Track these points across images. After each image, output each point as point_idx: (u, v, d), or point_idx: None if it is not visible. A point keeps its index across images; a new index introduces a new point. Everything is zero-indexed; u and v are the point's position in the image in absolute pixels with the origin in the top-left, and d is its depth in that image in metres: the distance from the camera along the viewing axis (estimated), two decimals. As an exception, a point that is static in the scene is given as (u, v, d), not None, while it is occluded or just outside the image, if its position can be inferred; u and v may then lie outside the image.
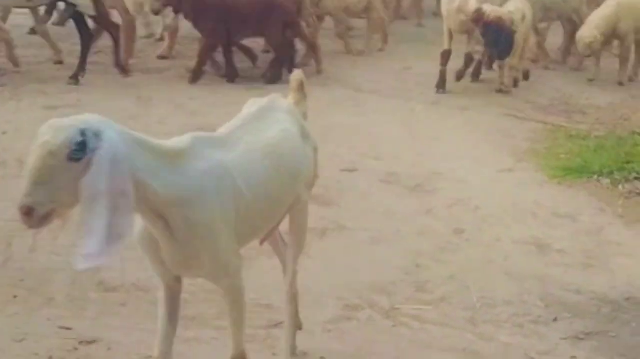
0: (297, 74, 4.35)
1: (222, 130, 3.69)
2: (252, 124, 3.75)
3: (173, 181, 3.18)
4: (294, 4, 9.51)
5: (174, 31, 9.88)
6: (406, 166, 7.02)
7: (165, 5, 9.15)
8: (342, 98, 8.87)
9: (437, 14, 11.28)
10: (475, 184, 6.71)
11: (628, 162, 7.00)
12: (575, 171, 6.93)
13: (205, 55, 9.23)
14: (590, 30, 9.52)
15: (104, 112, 7.83)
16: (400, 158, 7.22)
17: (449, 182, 6.75)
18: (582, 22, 9.99)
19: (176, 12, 9.33)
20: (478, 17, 8.52)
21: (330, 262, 5.31)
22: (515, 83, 9.47)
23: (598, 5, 10.23)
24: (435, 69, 9.36)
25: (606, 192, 6.61)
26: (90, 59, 9.39)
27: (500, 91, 9.06)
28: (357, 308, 4.78)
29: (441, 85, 9.16)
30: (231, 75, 9.30)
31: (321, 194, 6.29)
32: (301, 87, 4.30)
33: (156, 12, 9.54)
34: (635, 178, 6.78)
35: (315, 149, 4.11)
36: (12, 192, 5.86)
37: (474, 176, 6.88)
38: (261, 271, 4.95)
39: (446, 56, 9.14)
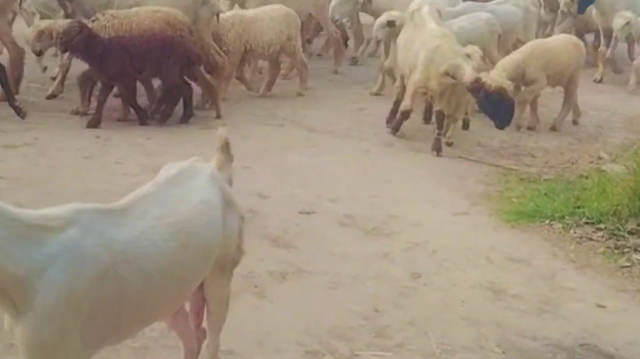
0: (221, 132, 4.06)
1: (129, 198, 3.43)
2: (166, 192, 3.49)
3: (23, 256, 2.89)
4: (194, 44, 9.27)
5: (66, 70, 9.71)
6: (362, 209, 7.11)
7: (65, 51, 8.84)
8: (297, 138, 8.96)
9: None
10: (431, 228, 6.82)
11: (578, 207, 7.15)
12: (527, 215, 7.07)
13: (133, 99, 8.94)
14: (496, 73, 9.40)
15: (61, 152, 7.91)
16: (356, 200, 7.31)
17: (404, 225, 6.84)
18: (492, 64, 10.05)
19: (64, 51, 8.98)
20: (478, 87, 8.20)
21: (290, 307, 5.35)
22: (466, 126, 9.65)
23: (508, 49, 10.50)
24: (388, 109, 9.52)
25: (558, 236, 6.76)
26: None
27: (449, 144, 9.06)
28: (317, 354, 4.83)
29: (397, 128, 9.18)
30: (143, 118, 8.98)
31: (280, 236, 6.39)
32: (226, 148, 4.01)
33: (37, 53, 9.25)
34: (586, 223, 6.94)
35: (242, 219, 3.87)
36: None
37: (429, 219, 6.99)
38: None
39: (407, 116, 9.02)
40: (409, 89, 8.83)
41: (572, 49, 9.98)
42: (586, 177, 8.10)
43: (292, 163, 8.15)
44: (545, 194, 7.57)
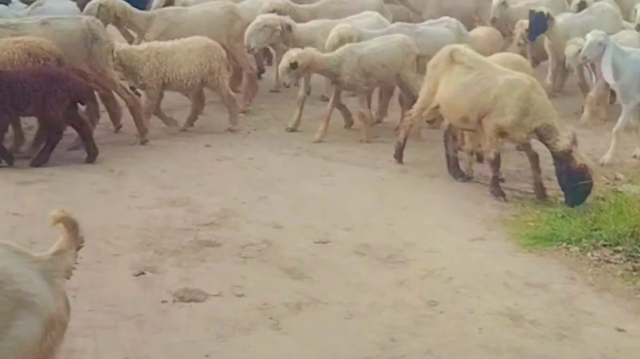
0: (60, 214, 3.53)
1: None
2: None
3: None
4: (83, 79, 8.75)
5: None
6: (378, 237, 7.07)
7: None
8: (312, 167, 8.94)
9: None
10: (447, 254, 6.77)
11: (595, 230, 7.07)
12: (544, 239, 7.00)
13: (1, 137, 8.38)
14: None
15: (76, 187, 7.92)
16: (371, 228, 7.27)
17: (420, 252, 6.80)
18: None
19: None
20: (565, 158, 7.90)
21: (305, 338, 5.32)
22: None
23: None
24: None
25: (575, 260, 6.69)
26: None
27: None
28: (334, 385, 4.80)
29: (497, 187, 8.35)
30: (9, 159, 8.46)
31: (295, 266, 6.36)
32: (73, 229, 3.50)
33: None
34: (603, 245, 6.86)
35: (53, 323, 3.18)
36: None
37: (445, 246, 6.94)
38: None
39: (499, 164, 8.34)
40: (492, 134, 8.18)
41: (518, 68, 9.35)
42: (603, 199, 8.01)
43: (307, 192, 8.13)
44: (562, 217, 7.50)
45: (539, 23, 11.58)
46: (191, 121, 10.31)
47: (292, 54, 9.76)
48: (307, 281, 6.15)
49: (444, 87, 8.62)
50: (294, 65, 9.68)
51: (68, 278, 3.45)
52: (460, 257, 6.73)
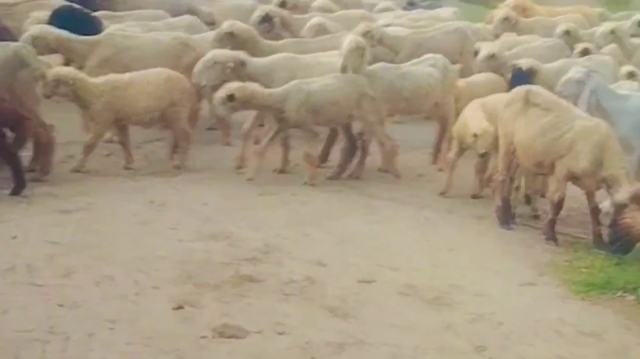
0: None
1: None
2: None
3: None
4: (12, 107, 8.45)
5: None
6: (424, 278, 6.86)
7: None
8: (356, 205, 8.74)
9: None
10: (496, 298, 6.56)
11: (652, 278, 6.84)
12: (598, 287, 6.79)
13: None
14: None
15: (116, 217, 7.84)
16: (417, 269, 7.07)
17: (468, 295, 6.59)
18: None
19: None
20: (617, 210, 7.64)
21: (348, 381, 5.12)
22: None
23: None
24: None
25: (631, 309, 6.47)
26: (100, 161, 9.42)
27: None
28: None
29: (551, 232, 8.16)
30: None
31: (338, 306, 6.18)
32: None
33: None
34: (661, 295, 6.62)
35: None
36: (21, 300, 5.74)
37: (494, 290, 6.73)
38: None
39: (561, 206, 8.17)
40: (561, 178, 8.00)
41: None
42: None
43: (350, 230, 7.93)
44: (617, 264, 7.31)
45: (520, 78, 10.59)
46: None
47: (231, 86, 9.20)
48: (351, 320, 5.96)
49: (520, 131, 8.24)
50: (230, 98, 9.09)
51: None
52: (510, 302, 6.52)
